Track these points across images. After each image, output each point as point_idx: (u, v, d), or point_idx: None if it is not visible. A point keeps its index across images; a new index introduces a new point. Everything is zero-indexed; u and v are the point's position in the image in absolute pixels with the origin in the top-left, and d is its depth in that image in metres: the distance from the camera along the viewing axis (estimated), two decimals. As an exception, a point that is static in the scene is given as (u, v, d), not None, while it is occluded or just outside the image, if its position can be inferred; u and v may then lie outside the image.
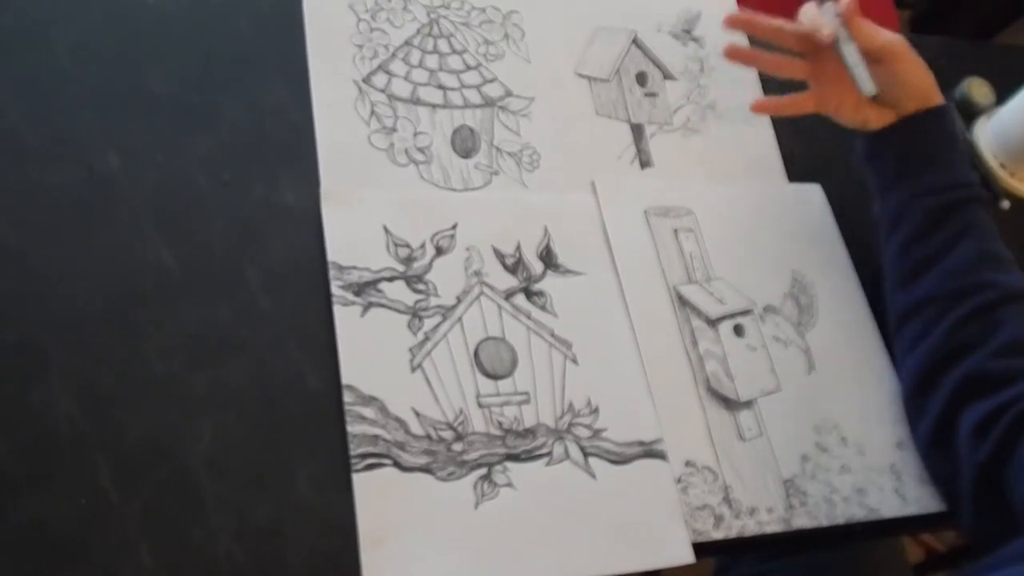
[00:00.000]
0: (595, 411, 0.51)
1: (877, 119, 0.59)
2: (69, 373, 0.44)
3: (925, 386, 0.55)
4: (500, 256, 0.54)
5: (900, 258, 0.57)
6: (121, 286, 0.46)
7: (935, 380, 0.54)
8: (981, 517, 0.50)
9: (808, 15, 0.57)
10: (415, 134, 0.56)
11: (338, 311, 0.49)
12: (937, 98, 0.58)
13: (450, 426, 0.48)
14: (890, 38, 0.56)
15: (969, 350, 0.52)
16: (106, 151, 0.49)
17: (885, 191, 0.58)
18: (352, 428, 0.46)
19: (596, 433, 0.51)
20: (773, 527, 0.51)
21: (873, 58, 0.56)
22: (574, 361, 0.52)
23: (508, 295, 0.53)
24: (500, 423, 0.49)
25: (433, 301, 0.51)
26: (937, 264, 0.55)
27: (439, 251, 0.53)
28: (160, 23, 0.54)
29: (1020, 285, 0.54)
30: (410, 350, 0.49)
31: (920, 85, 0.57)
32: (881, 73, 0.56)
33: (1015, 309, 0.53)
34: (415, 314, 0.50)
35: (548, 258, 0.55)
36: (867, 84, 0.55)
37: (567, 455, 0.50)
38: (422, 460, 0.47)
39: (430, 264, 0.52)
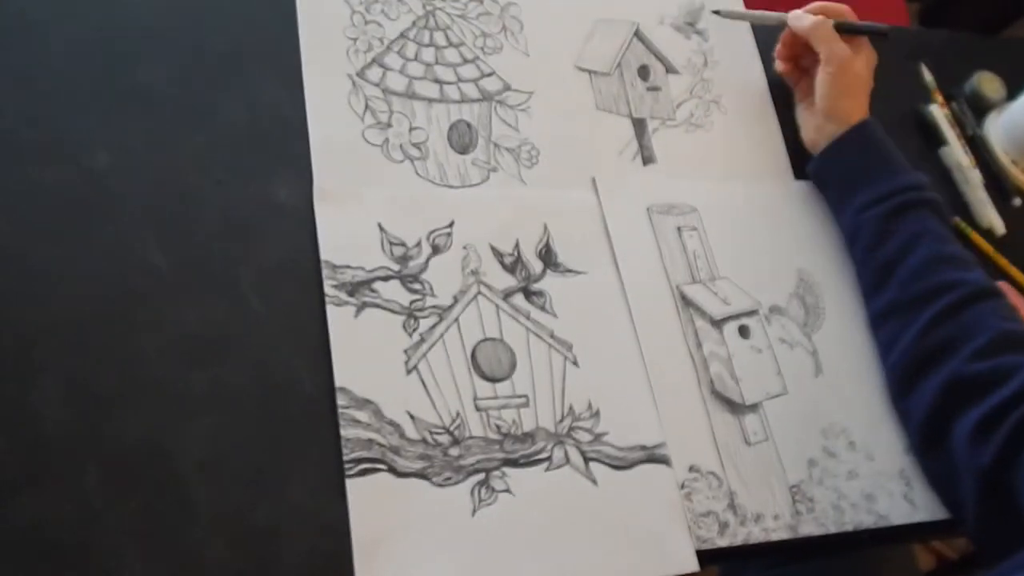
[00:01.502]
0: (596, 414, 0.52)
1: (805, 119, 0.65)
2: (60, 374, 0.44)
3: (903, 391, 0.56)
4: (498, 255, 0.54)
5: (862, 270, 0.60)
6: (113, 285, 0.47)
7: (913, 385, 0.55)
8: (987, 522, 0.51)
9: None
10: (411, 129, 0.57)
11: (331, 312, 0.49)
12: (863, 114, 0.63)
13: (446, 430, 0.48)
14: (842, 51, 0.62)
15: (944, 354, 0.54)
16: (98, 149, 0.49)
17: (837, 213, 0.62)
18: (346, 432, 0.46)
19: (597, 437, 0.51)
20: (779, 534, 0.51)
21: (826, 64, 0.63)
22: (574, 363, 0.53)
23: (506, 295, 0.53)
24: (498, 427, 0.49)
25: (429, 301, 0.51)
26: (896, 270, 0.57)
27: (435, 250, 0.53)
28: (151, 18, 0.54)
29: (984, 282, 0.56)
30: (405, 352, 0.50)
31: (861, 101, 0.63)
32: (828, 81, 0.62)
33: (983, 307, 0.55)
34: (411, 315, 0.51)
35: (547, 257, 0.56)
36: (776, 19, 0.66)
37: (567, 460, 0.50)
38: (417, 465, 0.47)
39: (426, 263, 0.52)
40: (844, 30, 0.63)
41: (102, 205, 0.48)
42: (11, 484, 0.41)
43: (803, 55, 0.66)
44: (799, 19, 0.64)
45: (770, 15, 0.67)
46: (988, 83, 0.76)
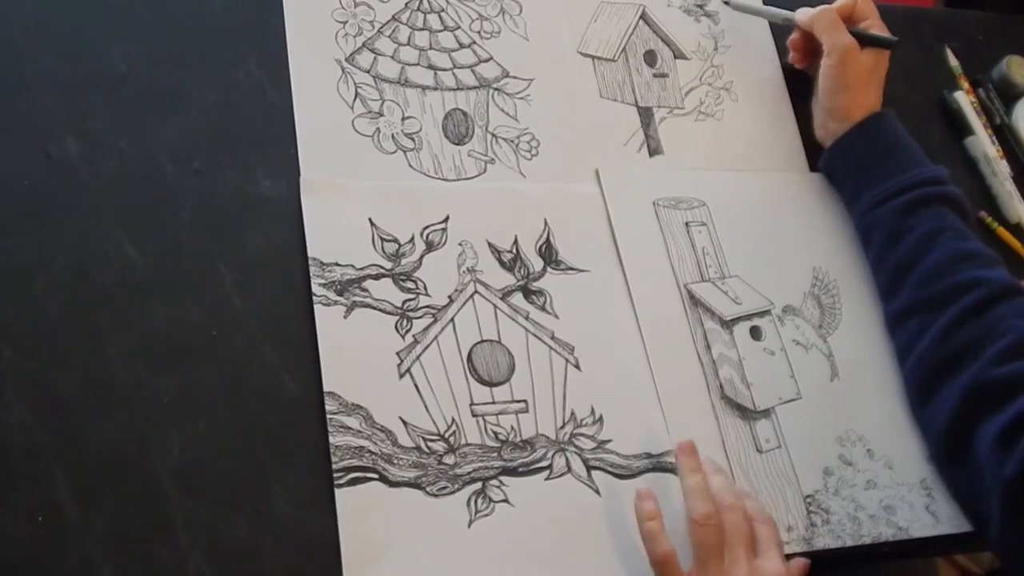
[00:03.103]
0: (599, 420, 0.52)
1: (816, 114, 0.65)
2: (24, 378, 0.44)
3: (923, 398, 0.56)
4: (496, 252, 0.55)
5: (878, 270, 0.60)
6: (81, 283, 0.47)
7: (932, 392, 0.55)
8: (1012, 536, 0.51)
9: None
10: (403, 118, 0.57)
11: (319, 311, 0.49)
12: (878, 108, 0.63)
13: (441, 437, 0.49)
14: (845, 41, 0.62)
15: (965, 358, 0.54)
16: (65, 136, 0.50)
17: (850, 210, 0.63)
18: (335, 439, 0.47)
19: (600, 444, 0.51)
20: (793, 547, 0.52)
21: (827, 55, 0.63)
22: (576, 366, 0.53)
23: (504, 294, 0.54)
24: (496, 434, 0.50)
25: (423, 301, 0.52)
26: (913, 270, 0.57)
27: (429, 246, 0.53)
28: (123, -5, 0.54)
29: (1007, 280, 0.56)
30: (398, 354, 0.50)
31: (861, 94, 0.62)
32: (828, 74, 0.63)
33: (1007, 306, 0.55)
34: (403, 315, 0.51)
35: (548, 254, 0.56)
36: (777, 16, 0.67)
37: (568, 468, 0.50)
38: (411, 474, 0.47)
39: (420, 260, 0.53)
40: (854, 35, 0.63)
41: (69, 196, 0.48)
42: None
43: (819, 46, 0.66)
44: (806, 12, 0.65)
45: (778, 12, 0.67)
46: (1018, 68, 0.76)
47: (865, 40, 0.63)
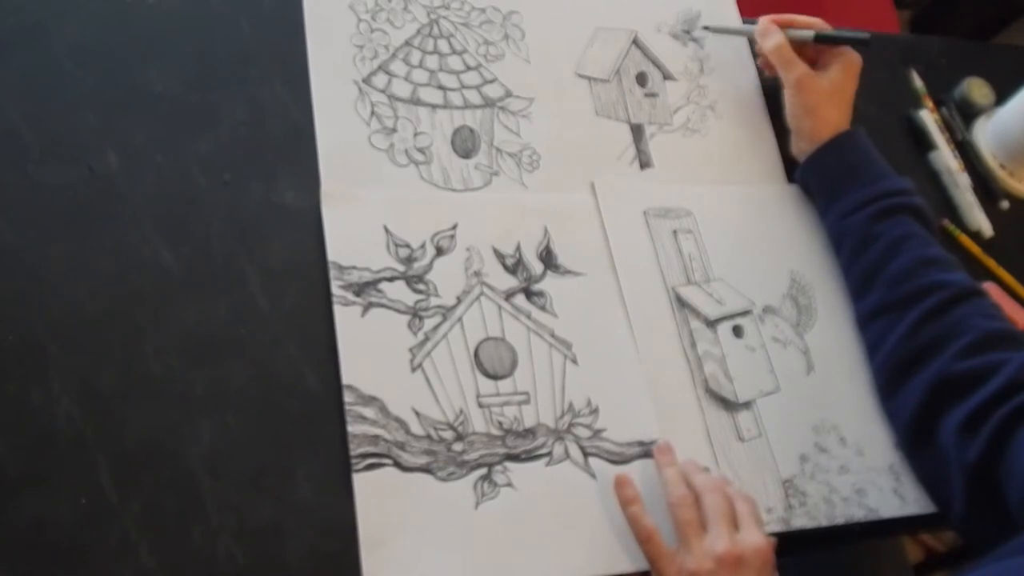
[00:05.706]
0: (595, 411, 0.52)
1: (793, 145, 0.65)
2: (69, 373, 0.44)
3: (891, 390, 0.56)
4: (500, 256, 0.54)
5: (848, 275, 0.60)
6: (121, 286, 0.47)
7: (900, 383, 0.55)
8: (974, 515, 0.51)
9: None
10: (415, 134, 0.57)
11: (338, 311, 0.49)
12: (845, 125, 0.62)
13: (450, 426, 0.49)
14: (798, 72, 0.62)
15: (931, 353, 0.54)
16: (106, 151, 0.49)
17: (823, 218, 0.63)
18: (352, 428, 0.46)
19: (596, 433, 0.51)
20: (772, 527, 0.51)
21: (786, 88, 0.64)
22: (574, 361, 0.53)
23: (508, 295, 0.54)
24: (500, 423, 0.50)
25: (433, 301, 0.52)
26: (881, 273, 0.57)
27: (439, 251, 0.53)
28: (160, 23, 0.54)
29: (967, 283, 0.56)
30: (410, 350, 0.50)
31: (826, 116, 0.62)
32: (790, 103, 0.63)
33: (967, 307, 0.55)
34: (415, 314, 0.51)
35: (548, 258, 0.56)
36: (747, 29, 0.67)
37: (567, 455, 0.50)
38: (422, 460, 0.47)
39: (430, 264, 0.53)
40: (823, 40, 0.63)
41: (111, 205, 0.48)
42: (25, 480, 0.42)
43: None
44: (763, 37, 0.64)
45: (742, 28, 0.68)
46: (977, 89, 0.76)
47: (835, 41, 0.62)
